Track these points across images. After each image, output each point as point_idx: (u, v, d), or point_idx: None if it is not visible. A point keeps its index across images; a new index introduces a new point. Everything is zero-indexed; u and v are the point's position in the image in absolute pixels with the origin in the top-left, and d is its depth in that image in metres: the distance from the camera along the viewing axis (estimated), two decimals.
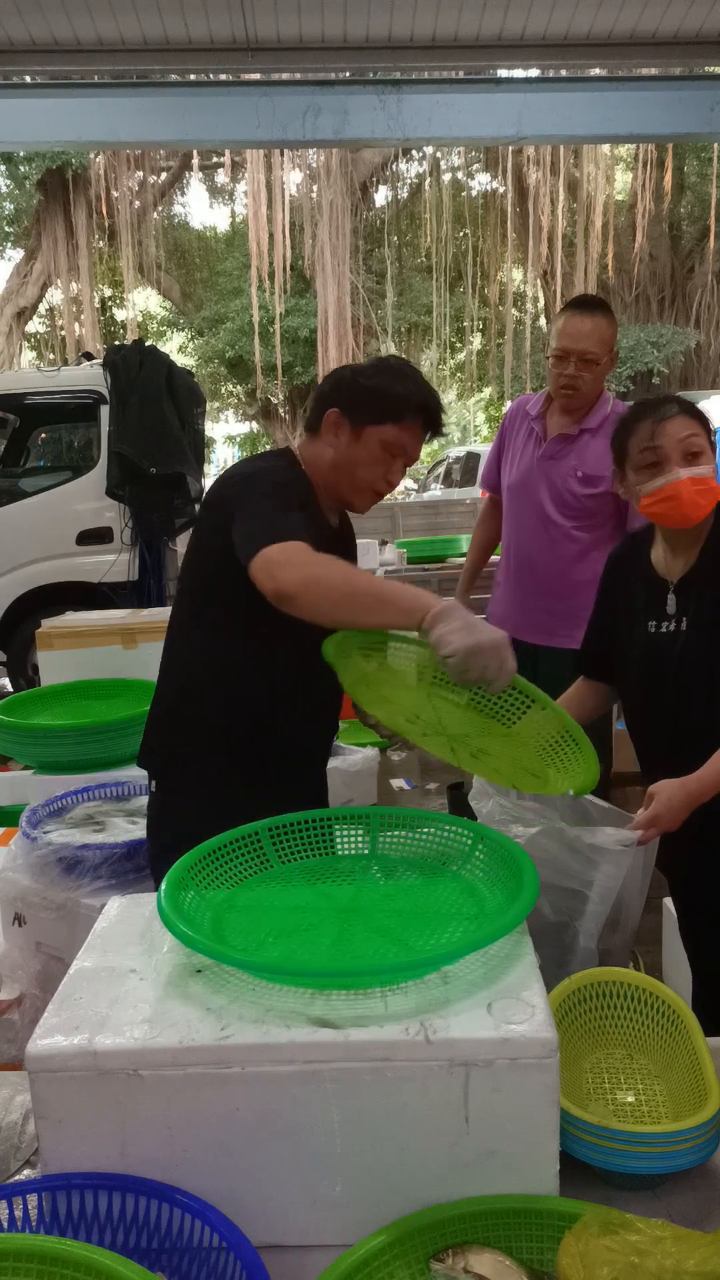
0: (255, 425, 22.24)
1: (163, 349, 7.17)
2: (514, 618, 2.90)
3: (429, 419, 1.74)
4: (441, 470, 14.85)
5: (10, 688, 6.19)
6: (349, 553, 1.88)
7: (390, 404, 1.71)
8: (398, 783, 4.67)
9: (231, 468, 1.83)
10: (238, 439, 23.78)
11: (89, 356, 6.87)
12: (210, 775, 1.80)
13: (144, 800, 2.49)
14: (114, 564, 6.08)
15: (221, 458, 23.38)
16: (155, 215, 18.69)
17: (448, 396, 22.42)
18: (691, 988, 1.90)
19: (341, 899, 1.29)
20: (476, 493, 12.22)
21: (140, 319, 20.01)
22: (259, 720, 1.79)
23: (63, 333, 18.59)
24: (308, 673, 1.57)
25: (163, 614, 4.22)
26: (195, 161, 18.37)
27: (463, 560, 7.71)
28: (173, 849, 1.38)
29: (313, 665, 1.47)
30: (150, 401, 6.05)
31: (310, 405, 1.81)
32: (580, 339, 2.67)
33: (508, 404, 22.17)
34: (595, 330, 2.67)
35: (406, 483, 21.39)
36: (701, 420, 1.74)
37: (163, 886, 1.22)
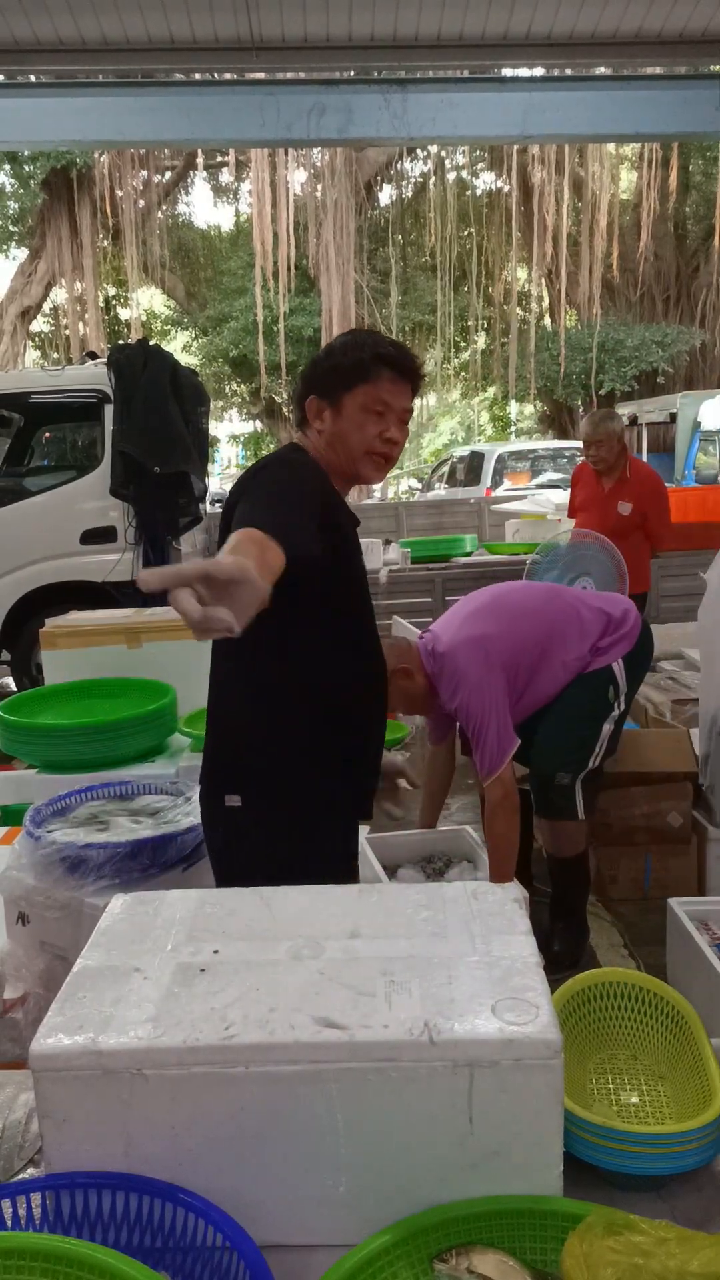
0: (259, 425, 22.23)
1: (167, 348, 7.17)
2: None
3: (394, 364, 1.75)
4: (445, 470, 14.85)
5: (14, 687, 6.20)
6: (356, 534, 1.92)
7: (352, 368, 1.75)
8: (399, 781, 4.65)
9: (254, 467, 1.84)
10: (242, 438, 23.80)
11: (93, 356, 6.87)
12: (303, 784, 1.80)
13: (147, 799, 2.49)
14: (118, 563, 6.08)
15: (225, 457, 23.41)
16: (159, 214, 18.67)
17: (451, 396, 22.40)
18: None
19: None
20: (480, 492, 12.22)
21: (144, 318, 20.02)
22: (342, 721, 1.82)
23: (67, 332, 18.57)
24: (375, 672, 1.84)
25: (166, 613, 4.19)
26: (199, 160, 18.35)
27: (466, 559, 7.71)
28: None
29: (375, 665, 1.83)
30: (154, 401, 6.05)
31: (293, 408, 1.91)
32: None
33: (512, 403, 21.87)
34: None
35: (411, 482, 21.37)
36: None
37: None
